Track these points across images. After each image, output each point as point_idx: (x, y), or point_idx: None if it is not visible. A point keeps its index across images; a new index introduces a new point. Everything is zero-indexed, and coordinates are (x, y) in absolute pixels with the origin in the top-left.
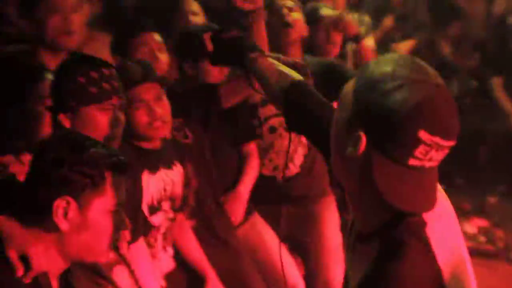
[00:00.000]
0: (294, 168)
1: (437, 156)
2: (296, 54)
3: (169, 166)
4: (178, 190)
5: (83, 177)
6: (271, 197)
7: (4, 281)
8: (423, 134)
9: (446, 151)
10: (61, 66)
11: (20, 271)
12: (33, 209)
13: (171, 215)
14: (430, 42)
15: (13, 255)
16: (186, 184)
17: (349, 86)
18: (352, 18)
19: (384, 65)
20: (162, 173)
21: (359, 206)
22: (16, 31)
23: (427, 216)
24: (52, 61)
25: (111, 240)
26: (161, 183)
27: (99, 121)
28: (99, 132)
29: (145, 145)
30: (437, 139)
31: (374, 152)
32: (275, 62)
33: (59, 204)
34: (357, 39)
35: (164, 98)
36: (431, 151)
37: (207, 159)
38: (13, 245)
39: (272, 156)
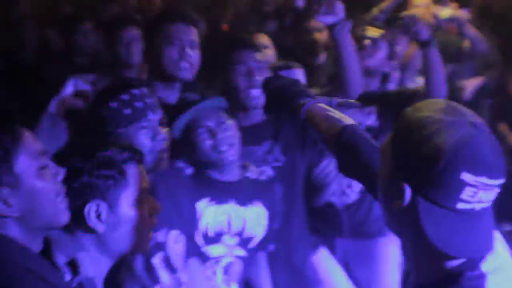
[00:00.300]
0: (352, 195)
1: (487, 197)
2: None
3: (243, 203)
4: (254, 229)
5: (104, 179)
6: (330, 226)
7: (56, 284)
8: (466, 176)
9: (497, 190)
10: (95, 96)
11: (67, 276)
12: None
13: (239, 252)
14: (500, 81)
15: (61, 260)
16: (268, 225)
17: (388, 138)
18: None
19: (418, 112)
20: (231, 207)
21: (414, 257)
22: (89, 61)
23: (486, 269)
24: (166, 92)
25: (148, 227)
26: (224, 216)
27: (141, 141)
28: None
29: (216, 176)
30: (482, 179)
31: (419, 201)
32: (326, 107)
33: (90, 209)
34: None
35: (228, 121)
36: (478, 192)
37: (297, 183)
38: (61, 251)
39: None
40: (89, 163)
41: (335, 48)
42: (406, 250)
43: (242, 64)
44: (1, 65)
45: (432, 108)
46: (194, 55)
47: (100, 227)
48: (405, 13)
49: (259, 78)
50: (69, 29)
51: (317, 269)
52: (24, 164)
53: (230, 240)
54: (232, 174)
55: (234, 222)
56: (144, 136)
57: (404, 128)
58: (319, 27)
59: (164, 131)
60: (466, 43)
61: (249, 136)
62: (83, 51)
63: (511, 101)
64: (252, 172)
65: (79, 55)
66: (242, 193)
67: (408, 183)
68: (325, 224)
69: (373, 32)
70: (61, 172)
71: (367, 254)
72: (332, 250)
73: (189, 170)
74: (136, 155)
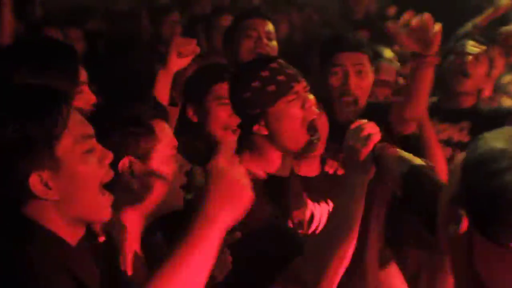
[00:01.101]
0: None
1: None
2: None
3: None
4: None
5: (135, 136)
6: None
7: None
8: None
9: None
10: (231, 80)
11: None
12: None
13: None
14: None
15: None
16: None
17: (459, 159)
18: None
19: (496, 141)
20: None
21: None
22: None
23: None
24: None
25: (180, 183)
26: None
27: (293, 113)
28: (297, 122)
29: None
30: None
31: (476, 234)
32: (398, 149)
33: (124, 164)
34: None
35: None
36: None
37: None
38: None
39: None
40: (117, 122)
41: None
42: (456, 278)
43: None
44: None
45: (509, 139)
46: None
47: (134, 184)
48: (505, 29)
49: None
50: (156, 20)
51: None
52: (67, 147)
53: None
54: None
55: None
56: (294, 108)
57: (477, 155)
58: None
59: (311, 97)
60: None
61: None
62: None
63: None
64: None
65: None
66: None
67: (467, 213)
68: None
69: (474, 47)
70: (109, 156)
71: None
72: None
73: None
74: (161, 112)
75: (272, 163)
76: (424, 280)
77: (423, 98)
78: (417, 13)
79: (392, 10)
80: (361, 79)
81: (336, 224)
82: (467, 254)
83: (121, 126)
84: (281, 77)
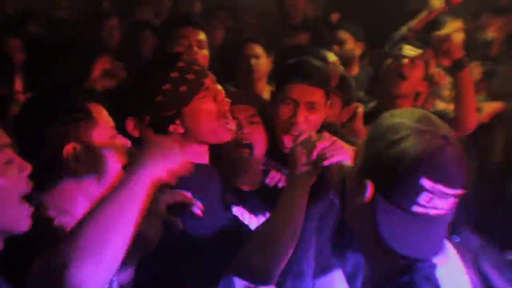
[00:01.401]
0: None
1: (443, 204)
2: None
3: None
4: None
5: (75, 122)
6: None
7: None
8: (425, 182)
9: (453, 199)
10: (137, 83)
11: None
12: None
13: None
14: None
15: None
16: None
17: (363, 139)
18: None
19: (394, 118)
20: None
21: (370, 252)
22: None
23: (436, 260)
24: None
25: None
26: None
27: (207, 108)
28: (212, 116)
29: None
30: (439, 187)
31: (379, 200)
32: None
33: (68, 151)
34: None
35: None
36: (434, 198)
37: None
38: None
39: None
40: (55, 110)
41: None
42: (363, 247)
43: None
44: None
45: (408, 115)
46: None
47: (81, 169)
48: (437, 33)
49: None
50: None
51: None
52: None
53: None
54: None
55: None
56: (207, 104)
57: (378, 130)
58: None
59: (220, 88)
60: None
61: None
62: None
63: None
64: None
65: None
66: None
67: (371, 181)
68: None
69: (410, 51)
70: (27, 168)
71: None
72: None
73: None
74: (96, 95)
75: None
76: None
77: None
78: (355, 18)
79: (335, 16)
80: (311, 114)
81: (279, 217)
82: (370, 218)
83: (59, 113)
84: (190, 76)
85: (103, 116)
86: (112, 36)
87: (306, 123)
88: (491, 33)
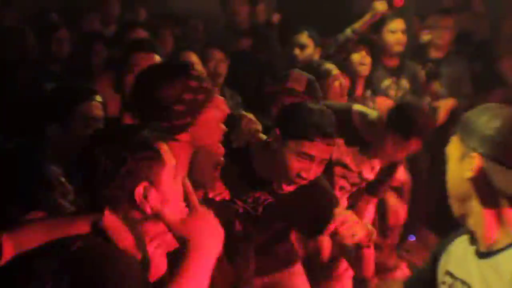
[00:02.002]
0: None
1: None
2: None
3: None
4: None
5: (146, 161)
6: None
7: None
8: None
9: None
10: (145, 92)
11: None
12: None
13: None
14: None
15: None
16: None
17: None
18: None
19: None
20: None
21: None
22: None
23: None
24: None
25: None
26: None
27: (213, 116)
28: (214, 123)
29: None
30: None
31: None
32: None
33: (139, 191)
34: None
35: None
36: None
37: None
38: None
39: None
40: (130, 148)
41: None
42: None
43: None
44: None
45: None
46: None
47: (148, 209)
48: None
49: None
50: (45, 36)
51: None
52: None
53: None
54: None
55: None
56: (212, 111)
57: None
58: None
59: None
60: None
61: None
62: (56, 58)
63: None
64: None
65: (52, 62)
66: None
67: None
68: None
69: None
70: None
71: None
72: None
73: None
74: (163, 133)
75: (186, 162)
76: None
77: None
78: (300, 20)
79: (276, 18)
80: (320, 167)
81: None
82: None
83: (131, 152)
84: (206, 84)
85: (169, 156)
86: (61, 48)
87: (313, 175)
88: (426, 36)
